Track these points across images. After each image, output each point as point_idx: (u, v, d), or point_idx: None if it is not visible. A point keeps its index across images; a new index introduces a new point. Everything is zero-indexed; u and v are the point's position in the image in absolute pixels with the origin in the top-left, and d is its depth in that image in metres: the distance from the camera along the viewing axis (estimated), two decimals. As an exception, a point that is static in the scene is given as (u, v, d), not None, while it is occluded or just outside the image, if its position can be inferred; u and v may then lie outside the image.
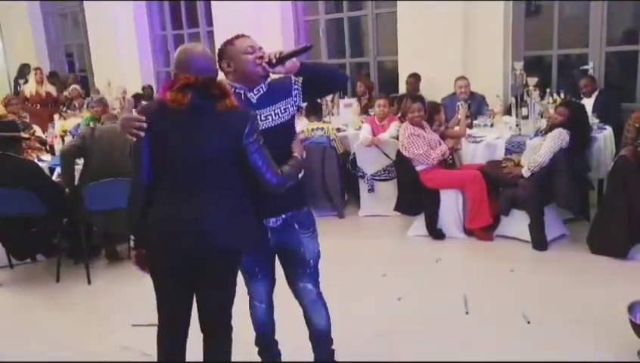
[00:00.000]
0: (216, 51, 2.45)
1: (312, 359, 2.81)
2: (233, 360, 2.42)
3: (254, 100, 2.37)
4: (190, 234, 2.16)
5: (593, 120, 5.21)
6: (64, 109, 7.88)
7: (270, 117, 2.37)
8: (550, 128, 4.43)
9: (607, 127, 5.14)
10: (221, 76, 2.34)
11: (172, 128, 2.16)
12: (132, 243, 2.32)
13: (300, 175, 2.38)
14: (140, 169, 2.20)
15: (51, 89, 8.87)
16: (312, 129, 5.49)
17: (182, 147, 2.15)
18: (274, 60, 2.37)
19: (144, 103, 6.80)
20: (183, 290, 2.29)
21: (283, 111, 2.40)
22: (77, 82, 9.49)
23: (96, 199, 4.06)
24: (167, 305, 2.33)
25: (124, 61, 9.46)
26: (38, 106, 8.28)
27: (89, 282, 4.19)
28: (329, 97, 6.63)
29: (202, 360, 2.39)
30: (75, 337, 3.42)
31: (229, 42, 2.41)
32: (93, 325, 3.54)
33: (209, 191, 2.17)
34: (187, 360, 2.39)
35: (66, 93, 8.64)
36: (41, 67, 9.53)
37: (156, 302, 2.33)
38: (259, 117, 2.30)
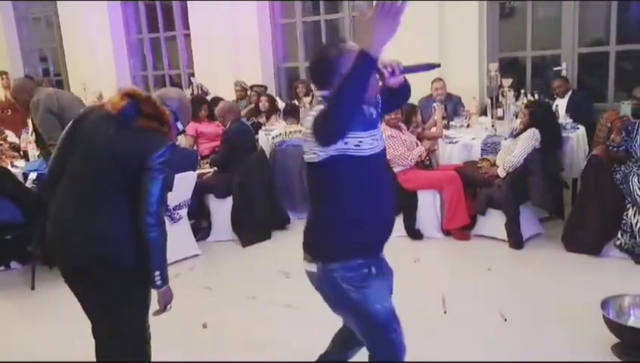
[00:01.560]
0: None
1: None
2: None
3: (375, 116, 2.04)
4: (65, 241, 2.17)
5: (566, 120, 5.31)
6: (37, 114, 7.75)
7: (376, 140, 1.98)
8: (523, 130, 4.50)
9: (579, 127, 5.24)
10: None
11: (89, 130, 2.18)
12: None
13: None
14: (50, 164, 2.31)
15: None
16: (290, 132, 5.50)
17: (87, 149, 2.17)
18: (397, 72, 2.02)
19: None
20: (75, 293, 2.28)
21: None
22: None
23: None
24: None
25: (99, 65, 9.36)
26: (9, 111, 8.13)
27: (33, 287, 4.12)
28: (307, 99, 6.64)
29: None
30: (51, 345, 3.37)
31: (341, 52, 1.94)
32: (70, 333, 3.48)
33: (94, 199, 2.16)
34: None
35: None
36: (7, 72, 9.38)
37: None
38: (370, 140, 1.93)
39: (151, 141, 2.12)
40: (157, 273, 2.15)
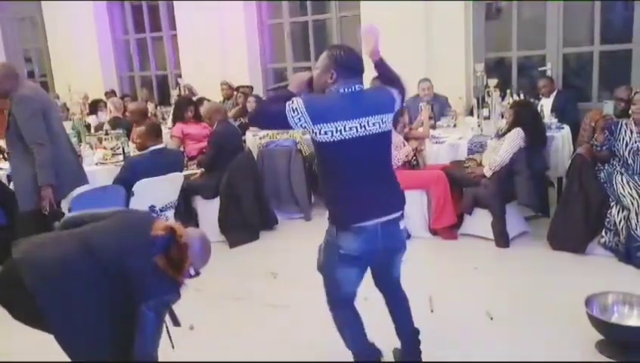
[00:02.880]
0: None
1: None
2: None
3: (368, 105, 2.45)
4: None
5: (551, 120, 5.36)
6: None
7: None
8: (508, 130, 4.54)
9: (564, 126, 5.30)
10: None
11: (123, 223, 2.35)
12: None
13: None
14: None
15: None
16: (278, 133, 5.50)
17: (105, 230, 2.30)
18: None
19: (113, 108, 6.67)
20: None
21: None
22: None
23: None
24: None
25: (85, 66, 9.29)
26: (-7, 113, 8.05)
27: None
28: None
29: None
30: (38, 350, 3.33)
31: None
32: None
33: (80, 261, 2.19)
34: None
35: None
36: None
37: None
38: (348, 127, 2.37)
39: (158, 284, 2.17)
40: None
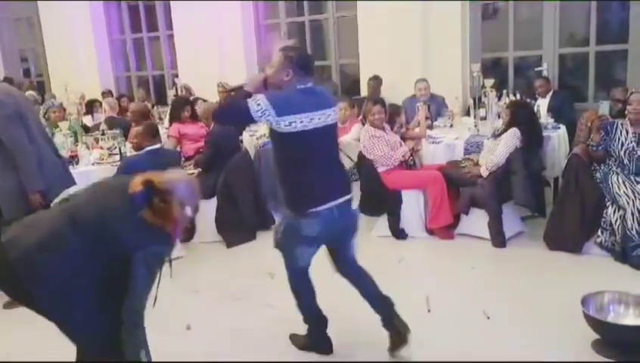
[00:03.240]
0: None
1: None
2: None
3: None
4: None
5: (548, 120, 5.38)
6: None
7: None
8: (504, 130, 4.55)
9: (560, 126, 5.31)
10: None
11: (101, 190, 2.34)
12: None
13: None
14: None
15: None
16: (275, 132, 5.50)
17: (88, 200, 2.29)
18: None
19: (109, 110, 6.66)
20: None
21: None
22: (33, 88, 9.24)
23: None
24: None
25: (82, 66, 9.27)
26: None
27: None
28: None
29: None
30: (35, 350, 3.33)
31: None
32: (52, 338, 3.45)
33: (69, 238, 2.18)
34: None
35: (21, 99, 8.40)
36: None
37: None
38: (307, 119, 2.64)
39: (147, 236, 2.15)
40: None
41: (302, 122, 2.58)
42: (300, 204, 2.69)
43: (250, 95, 2.61)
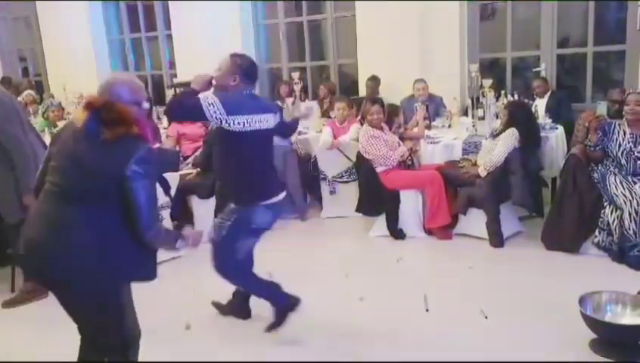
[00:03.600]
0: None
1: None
2: None
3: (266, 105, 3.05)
4: (40, 257, 2.15)
5: (545, 120, 5.39)
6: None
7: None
8: (502, 130, 4.57)
9: (558, 126, 5.32)
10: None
11: (62, 145, 2.19)
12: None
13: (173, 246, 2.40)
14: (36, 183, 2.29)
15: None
16: (273, 132, 5.51)
17: (60, 161, 2.17)
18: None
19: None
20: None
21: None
22: (31, 87, 9.23)
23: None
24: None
25: (80, 65, 9.26)
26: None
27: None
28: (290, 100, 6.65)
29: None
30: (34, 348, 3.34)
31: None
32: (50, 335, 3.46)
33: (65, 214, 2.13)
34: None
35: (19, 98, 8.40)
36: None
37: None
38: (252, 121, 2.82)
39: (123, 151, 2.09)
40: (175, 245, 2.37)
41: (248, 122, 2.80)
42: (255, 197, 2.92)
43: (196, 93, 2.79)
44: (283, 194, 3.06)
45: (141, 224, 2.13)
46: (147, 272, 2.30)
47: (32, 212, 2.25)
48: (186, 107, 2.79)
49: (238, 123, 2.77)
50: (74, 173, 2.14)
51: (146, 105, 2.28)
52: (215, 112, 2.73)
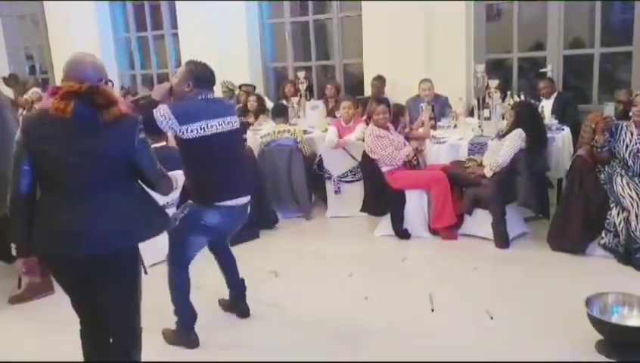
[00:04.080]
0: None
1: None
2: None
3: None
4: (82, 241, 2.16)
5: (552, 121, 5.37)
6: (24, 112, 7.69)
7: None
8: (508, 131, 4.55)
9: (565, 127, 5.30)
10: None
11: (55, 140, 2.13)
12: (13, 252, 2.27)
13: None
14: (19, 182, 2.18)
15: (8, 92, 8.62)
16: (279, 131, 5.51)
17: (67, 158, 2.13)
18: None
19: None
20: (87, 293, 2.33)
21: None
22: (38, 84, 9.26)
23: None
24: (78, 307, 2.40)
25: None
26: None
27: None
28: (295, 99, 6.65)
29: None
30: (40, 345, 3.34)
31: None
32: (57, 332, 3.47)
33: (96, 198, 2.18)
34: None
35: (26, 96, 8.43)
36: (-4, 70, 9.27)
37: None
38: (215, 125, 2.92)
39: (124, 129, 2.21)
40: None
41: (202, 128, 2.87)
42: (206, 197, 2.98)
43: (156, 104, 2.89)
44: (245, 199, 3.09)
45: (157, 181, 2.35)
46: (168, 222, 2.48)
47: (63, 212, 2.19)
48: (146, 121, 2.69)
49: (191, 131, 2.85)
50: (90, 165, 2.16)
51: (109, 83, 2.31)
52: (167, 123, 2.82)
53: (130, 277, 2.34)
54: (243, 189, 3.08)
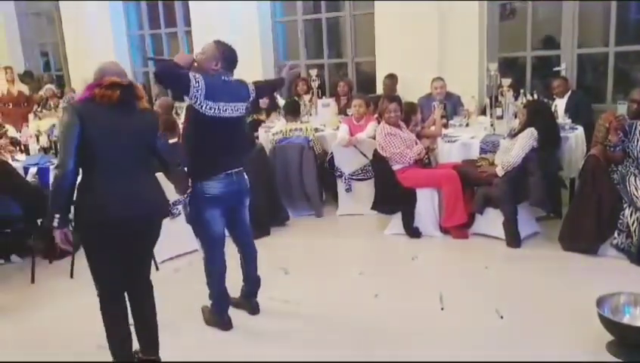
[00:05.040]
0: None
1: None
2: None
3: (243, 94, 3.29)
4: (135, 208, 2.60)
5: (565, 120, 5.33)
6: (39, 109, 7.77)
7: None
8: (520, 130, 4.53)
9: (578, 127, 5.26)
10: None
11: (105, 122, 2.53)
12: (55, 223, 2.50)
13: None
14: (68, 161, 2.49)
15: (24, 88, 8.69)
16: (291, 130, 5.52)
17: (117, 137, 2.55)
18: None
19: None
20: (125, 251, 2.68)
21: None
22: (52, 81, 9.35)
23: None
24: (109, 274, 2.68)
25: (100, 60, 9.32)
26: (11, 105, 8.14)
27: (72, 275, 4.21)
28: (307, 97, 6.66)
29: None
30: (53, 337, 3.39)
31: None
32: (73, 325, 3.52)
33: (139, 173, 2.65)
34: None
35: (41, 92, 8.52)
36: (12, 66, 9.35)
37: (96, 274, 2.68)
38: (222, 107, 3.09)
39: (151, 119, 2.76)
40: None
41: (219, 109, 3.04)
42: (204, 171, 3.13)
43: (178, 67, 3.00)
44: (239, 168, 3.25)
45: (173, 168, 2.90)
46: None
47: (111, 184, 2.57)
48: (176, 75, 3.01)
49: (210, 108, 3.01)
50: (131, 143, 2.61)
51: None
52: (197, 91, 2.95)
53: (155, 240, 2.83)
54: (236, 163, 3.23)
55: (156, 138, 2.73)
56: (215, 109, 3.02)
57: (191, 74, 2.97)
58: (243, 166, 3.30)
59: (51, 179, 2.63)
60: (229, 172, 3.18)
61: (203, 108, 3.00)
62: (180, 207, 4.50)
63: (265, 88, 3.66)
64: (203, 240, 3.36)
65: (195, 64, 3.10)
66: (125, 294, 2.77)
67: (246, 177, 3.35)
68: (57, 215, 2.48)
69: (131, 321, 2.80)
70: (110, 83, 2.52)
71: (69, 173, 2.48)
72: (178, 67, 3.00)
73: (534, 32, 6.55)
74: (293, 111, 5.75)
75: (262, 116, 6.71)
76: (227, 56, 3.12)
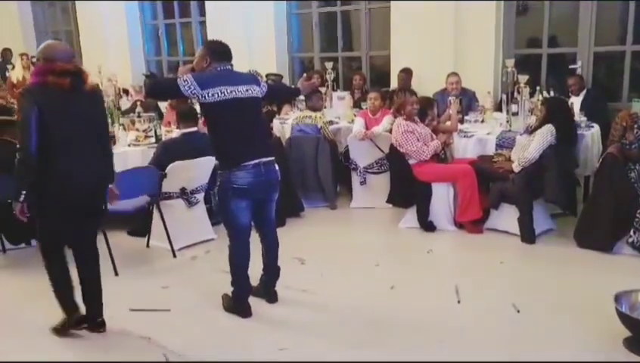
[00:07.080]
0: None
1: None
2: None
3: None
4: (88, 175, 2.98)
5: (581, 118, 5.33)
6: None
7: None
8: (538, 126, 4.53)
9: (594, 125, 5.26)
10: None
11: (61, 106, 2.84)
12: (21, 198, 2.86)
13: None
14: (30, 144, 2.78)
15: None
16: (303, 117, 5.58)
17: (74, 120, 2.89)
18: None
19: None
20: (74, 217, 3.04)
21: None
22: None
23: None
24: (57, 230, 3.05)
25: (114, 49, 9.40)
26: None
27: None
28: (322, 89, 6.68)
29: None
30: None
31: None
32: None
33: (91, 147, 3.00)
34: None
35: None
36: (27, 53, 9.40)
37: (45, 230, 3.05)
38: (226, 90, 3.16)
39: (98, 97, 3.20)
40: None
41: (222, 92, 3.10)
42: (231, 160, 3.18)
43: (168, 79, 3.27)
44: (268, 158, 3.26)
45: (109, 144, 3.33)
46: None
47: (76, 162, 2.92)
48: (162, 87, 3.40)
49: (212, 95, 3.09)
50: (84, 124, 2.95)
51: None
52: (189, 87, 3.07)
53: (102, 203, 3.18)
54: (264, 151, 3.25)
55: (103, 114, 3.18)
56: (217, 94, 3.09)
57: (178, 78, 3.12)
58: (272, 157, 3.30)
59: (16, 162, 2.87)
60: (257, 161, 3.18)
61: (205, 97, 3.09)
62: (198, 196, 4.54)
63: (278, 92, 3.85)
64: (228, 230, 3.40)
65: (195, 70, 3.25)
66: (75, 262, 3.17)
67: (277, 168, 3.36)
68: (24, 191, 2.84)
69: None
70: (61, 71, 2.80)
71: (32, 153, 2.78)
72: (167, 80, 3.23)
73: (551, 30, 6.53)
74: (312, 97, 5.72)
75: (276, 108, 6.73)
76: (214, 49, 3.23)
